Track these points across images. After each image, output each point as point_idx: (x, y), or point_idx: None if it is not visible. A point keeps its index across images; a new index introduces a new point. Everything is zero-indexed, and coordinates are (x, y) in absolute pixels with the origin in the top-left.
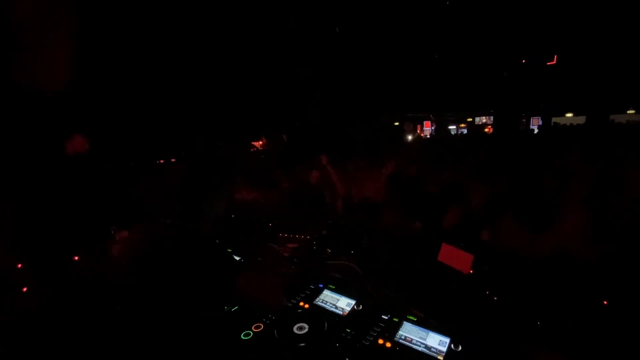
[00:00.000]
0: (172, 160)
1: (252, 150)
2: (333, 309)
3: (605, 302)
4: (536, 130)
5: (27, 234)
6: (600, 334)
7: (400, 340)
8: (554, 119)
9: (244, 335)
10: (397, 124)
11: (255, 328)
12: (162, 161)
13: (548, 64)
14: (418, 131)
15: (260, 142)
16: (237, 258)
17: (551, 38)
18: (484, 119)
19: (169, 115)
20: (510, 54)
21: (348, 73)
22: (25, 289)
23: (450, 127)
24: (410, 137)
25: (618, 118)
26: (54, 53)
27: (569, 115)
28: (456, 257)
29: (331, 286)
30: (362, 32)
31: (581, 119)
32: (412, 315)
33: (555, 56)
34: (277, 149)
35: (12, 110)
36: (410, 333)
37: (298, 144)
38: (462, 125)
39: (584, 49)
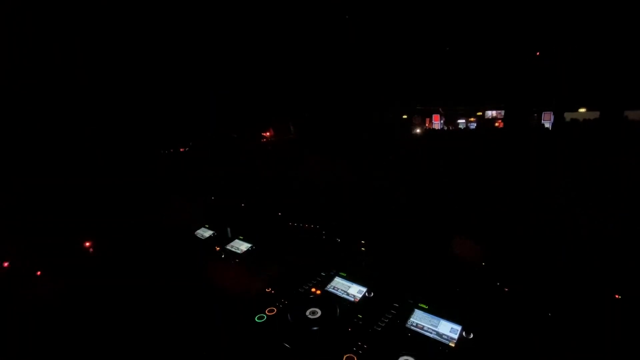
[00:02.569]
0: (181, 150)
1: (262, 140)
2: (344, 296)
3: (617, 296)
4: (547, 125)
5: (37, 223)
6: (612, 327)
7: (412, 327)
8: (569, 115)
9: (258, 319)
10: (405, 117)
11: (268, 312)
12: (171, 150)
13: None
14: (427, 124)
15: (269, 133)
16: (248, 245)
17: (564, 31)
18: (494, 113)
19: (178, 105)
20: (522, 46)
21: (357, 64)
22: (39, 273)
23: (460, 120)
24: (418, 131)
25: (633, 114)
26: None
27: (582, 110)
28: (468, 248)
29: (342, 273)
30: (372, 23)
31: (594, 115)
32: (423, 304)
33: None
34: (286, 139)
35: (24, 103)
36: (422, 320)
37: (307, 134)
38: (472, 119)
39: (599, 42)
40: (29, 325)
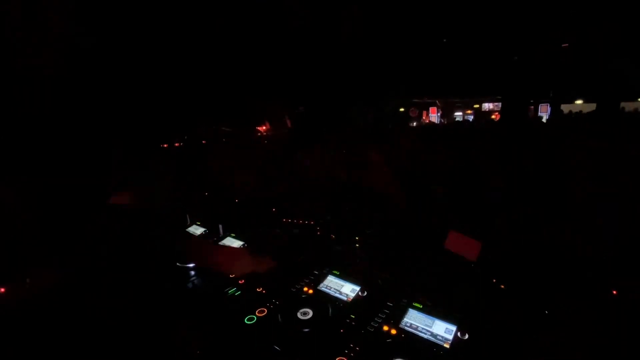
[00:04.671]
0: (176, 144)
1: (257, 135)
2: (337, 295)
3: (614, 292)
4: (545, 118)
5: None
6: (609, 324)
7: (406, 327)
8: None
9: (248, 320)
10: (402, 109)
11: (258, 313)
12: (165, 145)
13: (563, 45)
14: (423, 117)
15: (264, 127)
16: (240, 243)
17: (562, 22)
18: (490, 106)
19: (172, 98)
20: (520, 38)
21: (352, 57)
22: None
23: (456, 113)
24: (415, 124)
25: (630, 106)
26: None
27: (579, 102)
28: (463, 245)
29: (335, 272)
30: (368, 14)
31: (592, 107)
32: (418, 303)
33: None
34: (281, 133)
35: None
36: (416, 320)
37: (302, 128)
38: (469, 111)
39: (595, 33)
40: (20, 325)
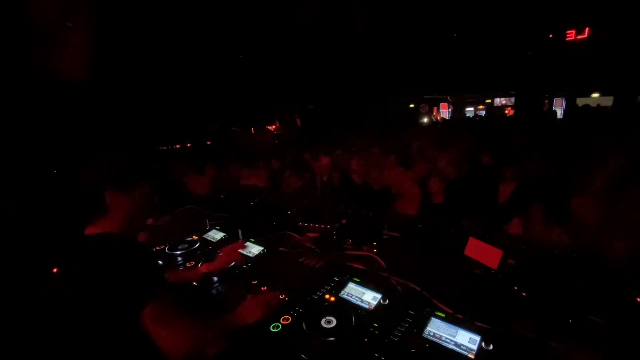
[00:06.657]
0: (188, 145)
1: (268, 135)
2: (359, 303)
3: (639, 299)
4: (559, 113)
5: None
6: (635, 332)
7: (429, 337)
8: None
9: (273, 328)
10: (412, 106)
11: (283, 320)
12: (178, 146)
13: (578, 37)
14: (434, 113)
15: (274, 127)
16: (260, 249)
17: (576, 14)
18: (503, 101)
19: (183, 100)
20: (533, 31)
21: (363, 53)
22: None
23: (468, 109)
24: (426, 120)
25: None
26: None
27: (595, 95)
28: (484, 252)
29: (356, 279)
30: (378, 10)
31: (608, 100)
32: (440, 311)
33: (587, 29)
34: (291, 133)
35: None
36: (439, 329)
37: (311, 127)
38: (480, 107)
39: (612, 25)
40: (47, 324)
